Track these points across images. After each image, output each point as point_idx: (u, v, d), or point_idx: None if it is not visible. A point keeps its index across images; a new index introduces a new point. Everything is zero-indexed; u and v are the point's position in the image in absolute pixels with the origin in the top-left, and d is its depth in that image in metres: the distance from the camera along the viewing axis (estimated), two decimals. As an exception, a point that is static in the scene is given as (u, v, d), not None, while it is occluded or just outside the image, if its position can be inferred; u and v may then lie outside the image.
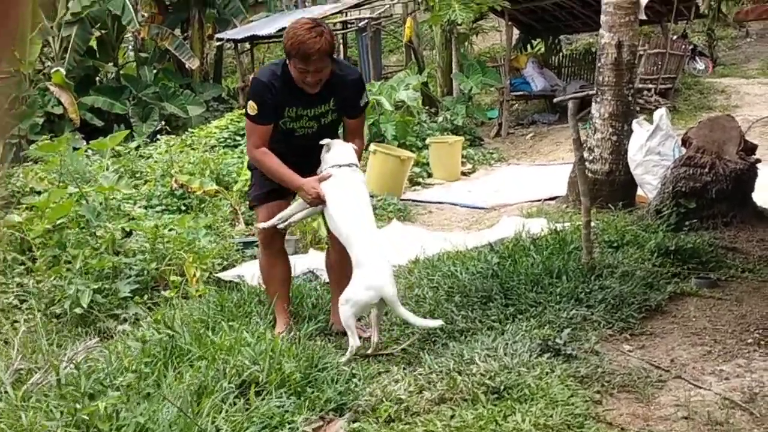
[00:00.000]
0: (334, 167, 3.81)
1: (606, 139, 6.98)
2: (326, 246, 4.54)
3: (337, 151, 3.87)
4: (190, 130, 13.22)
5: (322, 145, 3.87)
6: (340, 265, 3.99)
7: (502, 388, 3.09)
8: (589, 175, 6.59)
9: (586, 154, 6.57)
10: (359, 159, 3.99)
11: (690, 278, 4.57)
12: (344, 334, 3.82)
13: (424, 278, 4.79)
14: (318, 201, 3.76)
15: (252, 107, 3.76)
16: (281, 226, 3.93)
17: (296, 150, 3.90)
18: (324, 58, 3.64)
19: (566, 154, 11.02)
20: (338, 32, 18.74)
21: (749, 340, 3.71)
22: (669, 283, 4.43)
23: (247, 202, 4.23)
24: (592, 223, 4.80)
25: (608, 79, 6.94)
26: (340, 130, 4.15)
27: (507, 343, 3.50)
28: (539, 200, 8.09)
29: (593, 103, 7.13)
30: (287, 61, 3.72)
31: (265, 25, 16.28)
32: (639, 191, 7.03)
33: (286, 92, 3.74)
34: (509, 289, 4.25)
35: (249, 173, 4.28)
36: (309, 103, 3.81)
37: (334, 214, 3.79)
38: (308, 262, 5.78)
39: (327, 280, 4.57)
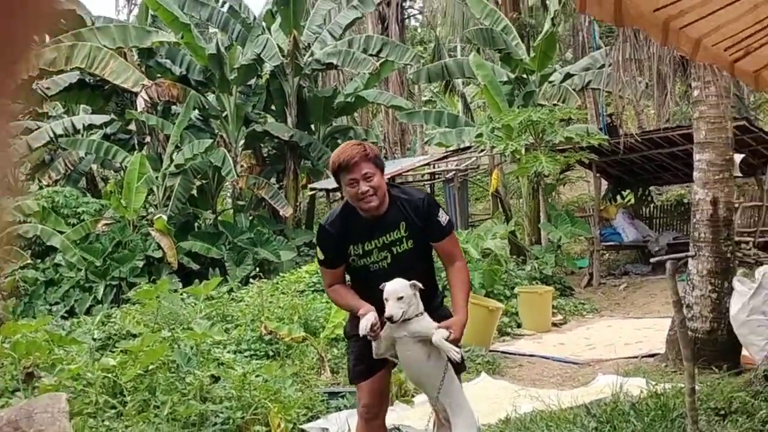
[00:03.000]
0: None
1: (705, 297, 6.71)
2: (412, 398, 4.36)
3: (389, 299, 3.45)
4: (281, 274, 13.51)
5: (405, 274, 3.51)
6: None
7: None
8: (689, 333, 6.30)
9: (684, 311, 6.31)
10: (467, 286, 3.70)
11: (809, 453, 4.19)
12: None
13: (516, 441, 4.57)
14: (371, 335, 3.42)
15: (318, 253, 3.80)
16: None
17: (377, 290, 3.53)
18: (368, 162, 3.52)
19: (661, 307, 10.63)
20: (426, 182, 19.26)
21: None
22: (786, 458, 4.07)
23: (348, 379, 3.91)
24: (696, 388, 4.52)
25: (705, 235, 6.76)
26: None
27: None
28: (636, 357, 7.74)
29: (690, 260, 6.92)
30: (341, 189, 3.66)
31: (356, 175, 16.86)
32: (744, 352, 6.64)
33: (348, 228, 3.63)
34: (609, 459, 3.99)
35: (347, 342, 4.03)
36: (375, 232, 3.60)
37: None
38: (393, 418, 5.63)
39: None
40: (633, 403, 4.82)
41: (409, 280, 3.48)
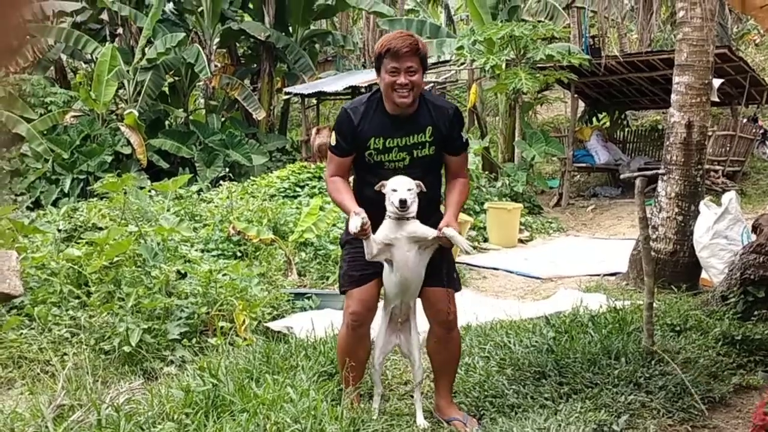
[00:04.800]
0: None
1: (671, 219, 6.80)
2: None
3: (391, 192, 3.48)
4: (252, 178, 13.42)
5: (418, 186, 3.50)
6: (444, 347, 3.72)
7: (552, 472, 2.93)
8: (653, 253, 6.40)
9: (649, 232, 6.39)
10: (465, 199, 3.73)
11: (757, 371, 4.33)
12: (447, 422, 3.64)
13: (475, 346, 4.66)
14: (361, 234, 3.40)
15: (332, 137, 3.65)
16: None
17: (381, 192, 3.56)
18: (415, 57, 3.42)
19: (627, 229, 10.79)
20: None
21: (821, 445, 3.47)
22: (734, 374, 4.20)
23: (339, 283, 3.83)
24: (654, 304, 4.62)
25: (676, 158, 6.78)
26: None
27: (560, 425, 3.34)
28: (598, 275, 7.88)
29: (660, 182, 6.97)
30: (378, 78, 3.54)
31: (332, 83, 16.61)
32: (704, 274, 6.78)
33: (373, 118, 3.54)
34: (564, 367, 4.09)
35: (341, 251, 3.94)
36: (401, 130, 3.52)
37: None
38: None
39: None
40: (592, 316, 4.92)
41: (425, 185, 3.51)
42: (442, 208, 3.75)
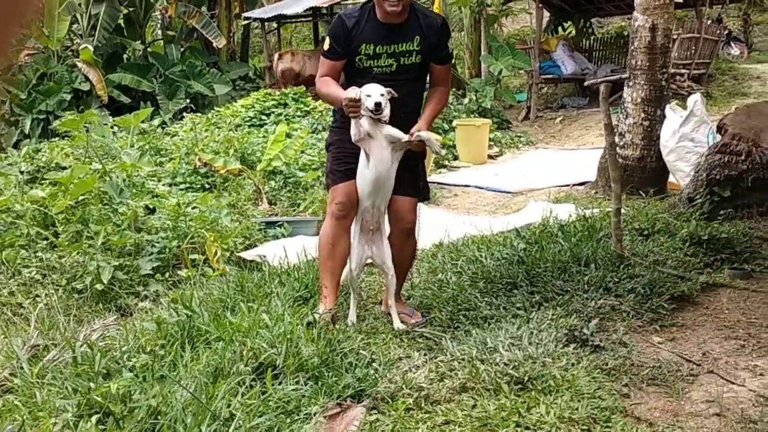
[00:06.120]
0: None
1: (638, 125, 6.80)
2: None
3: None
4: (215, 108, 13.18)
5: (401, 88, 3.70)
6: (400, 251, 3.97)
7: (526, 378, 2.99)
8: (620, 160, 6.43)
9: (617, 140, 6.40)
10: (442, 108, 4.04)
11: (723, 269, 4.42)
12: (389, 314, 3.92)
13: (447, 263, 4.69)
14: (354, 107, 3.62)
15: (326, 42, 3.86)
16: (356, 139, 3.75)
17: None
18: None
19: (596, 138, 10.82)
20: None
21: (785, 335, 3.57)
22: (701, 273, 4.29)
23: (324, 181, 4.16)
24: (622, 210, 4.66)
25: (641, 63, 6.74)
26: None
27: (532, 332, 3.40)
28: (568, 185, 7.94)
29: (625, 88, 6.95)
30: None
31: (292, 5, 16.14)
32: (671, 178, 6.85)
33: (365, 26, 3.75)
34: (535, 276, 4.14)
35: (326, 153, 4.18)
36: (390, 38, 3.73)
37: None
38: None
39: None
40: (561, 226, 4.96)
41: (408, 93, 3.78)
42: None
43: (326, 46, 3.85)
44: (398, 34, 3.74)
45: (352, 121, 3.69)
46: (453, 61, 13.01)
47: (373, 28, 3.75)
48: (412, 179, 3.90)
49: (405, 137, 3.71)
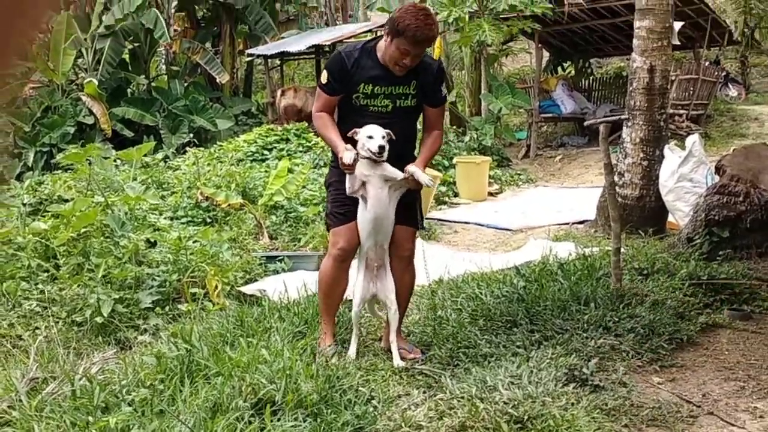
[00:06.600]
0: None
1: (637, 164, 6.86)
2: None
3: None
4: (218, 143, 13.27)
5: (395, 126, 3.79)
6: (400, 281, 4.01)
7: (525, 417, 2.99)
8: (619, 200, 6.48)
9: (616, 179, 6.45)
10: (437, 149, 4.09)
11: (723, 310, 4.43)
12: (389, 350, 3.94)
13: (447, 299, 4.70)
14: (350, 168, 3.70)
15: (324, 76, 3.91)
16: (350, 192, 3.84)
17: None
18: (429, 45, 3.74)
19: (595, 177, 10.88)
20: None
21: (784, 377, 3.57)
22: (701, 314, 4.30)
23: (325, 220, 4.21)
24: (622, 250, 4.68)
25: (640, 103, 6.82)
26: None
27: (532, 371, 3.39)
28: (567, 224, 7.97)
29: (624, 128, 7.02)
30: (386, 39, 3.75)
31: (295, 42, 16.36)
32: (670, 218, 6.89)
33: (366, 67, 3.80)
34: (535, 315, 4.15)
35: (326, 191, 4.26)
36: (388, 80, 3.80)
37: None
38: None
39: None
40: (561, 264, 4.98)
41: (403, 133, 3.86)
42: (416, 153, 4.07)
43: (323, 80, 3.91)
44: (396, 76, 3.80)
45: (347, 176, 3.77)
46: (454, 99, 12.98)
47: (372, 68, 3.80)
48: (408, 209, 3.97)
49: (401, 175, 3.77)
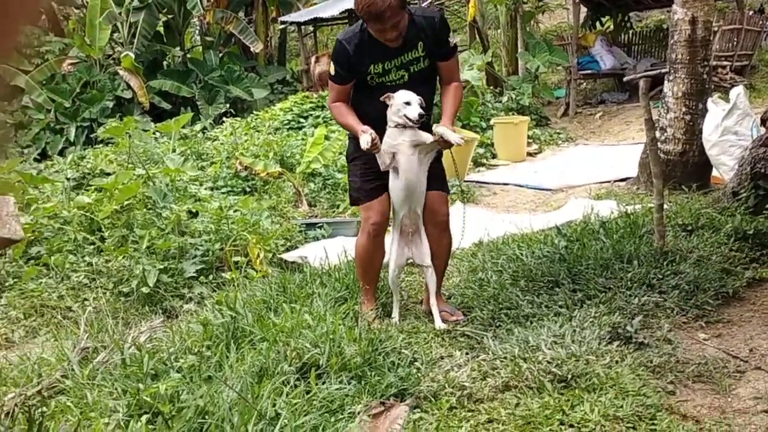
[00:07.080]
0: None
1: (679, 119, 6.70)
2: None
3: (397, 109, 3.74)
4: (254, 112, 13.31)
5: (417, 92, 3.74)
6: (437, 246, 4.00)
7: (569, 376, 2.98)
8: (662, 155, 6.35)
9: (658, 134, 6.32)
10: (459, 103, 3.98)
11: (770, 264, 4.34)
12: (430, 313, 3.97)
13: (488, 261, 4.68)
14: (373, 148, 3.67)
15: (332, 67, 3.88)
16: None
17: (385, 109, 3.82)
18: (397, 12, 3.58)
19: (636, 133, 10.68)
20: (401, 13, 18.59)
21: (835, 330, 3.50)
22: (747, 268, 4.21)
23: (350, 194, 4.16)
24: (665, 206, 4.60)
25: (682, 56, 6.64)
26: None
27: (575, 330, 3.38)
28: (608, 182, 7.85)
29: (666, 82, 6.85)
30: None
31: (327, 8, 16.24)
32: (714, 172, 6.73)
33: (368, 49, 3.75)
34: (577, 274, 4.11)
35: (348, 164, 4.21)
36: (395, 52, 3.75)
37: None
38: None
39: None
40: (603, 222, 4.91)
41: (423, 96, 3.76)
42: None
43: (332, 71, 3.88)
44: (402, 45, 3.75)
45: (377, 155, 3.74)
46: (491, 59, 12.76)
47: (376, 47, 3.74)
48: (437, 174, 3.94)
49: (430, 138, 3.74)
